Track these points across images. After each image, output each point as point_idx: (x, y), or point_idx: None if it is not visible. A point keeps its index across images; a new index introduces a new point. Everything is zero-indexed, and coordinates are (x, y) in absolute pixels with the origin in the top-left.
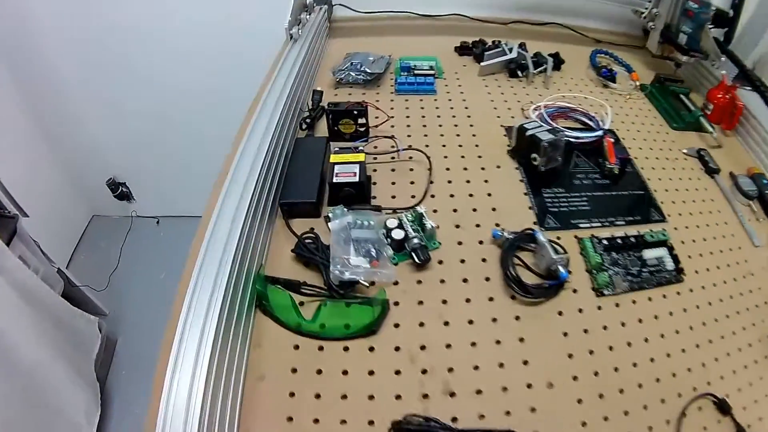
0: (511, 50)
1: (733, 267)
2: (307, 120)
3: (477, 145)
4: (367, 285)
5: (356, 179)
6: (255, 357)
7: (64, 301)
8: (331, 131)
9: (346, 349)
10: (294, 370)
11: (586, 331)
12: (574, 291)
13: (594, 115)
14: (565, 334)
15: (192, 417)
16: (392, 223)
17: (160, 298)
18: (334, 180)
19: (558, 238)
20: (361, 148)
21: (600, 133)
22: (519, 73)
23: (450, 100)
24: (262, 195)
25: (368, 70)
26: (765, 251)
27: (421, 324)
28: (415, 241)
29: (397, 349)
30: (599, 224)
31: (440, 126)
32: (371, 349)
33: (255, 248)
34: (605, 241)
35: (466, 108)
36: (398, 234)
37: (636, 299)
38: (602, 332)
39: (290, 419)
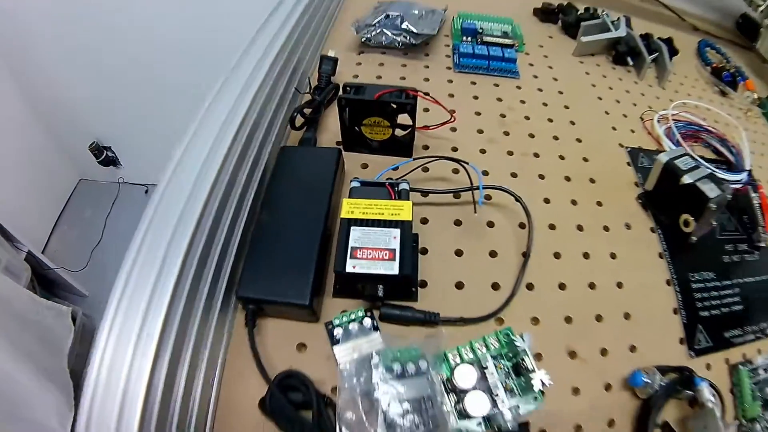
0: (616, 25)
1: None
2: (305, 111)
3: (593, 181)
4: None
5: (394, 270)
6: None
7: (30, 295)
8: (348, 134)
9: None
10: None
11: None
12: None
13: (730, 142)
14: None
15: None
16: (466, 375)
17: None
18: (349, 268)
19: (707, 366)
20: (405, 185)
21: (744, 176)
22: (629, 59)
23: (541, 90)
24: (200, 277)
25: (413, 29)
26: None
27: None
28: (507, 416)
29: None
30: (752, 336)
31: (532, 137)
32: None
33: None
34: (762, 371)
35: (567, 108)
36: (477, 404)
37: None
38: None
39: None
